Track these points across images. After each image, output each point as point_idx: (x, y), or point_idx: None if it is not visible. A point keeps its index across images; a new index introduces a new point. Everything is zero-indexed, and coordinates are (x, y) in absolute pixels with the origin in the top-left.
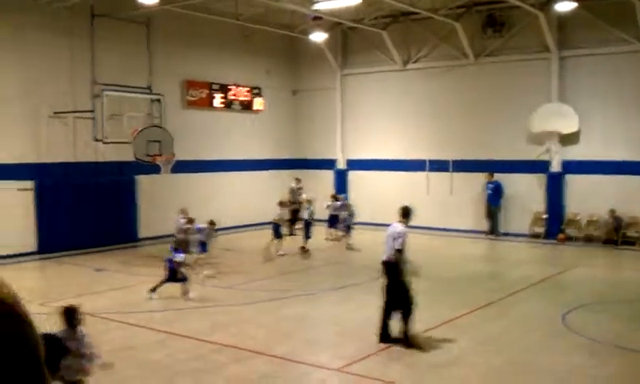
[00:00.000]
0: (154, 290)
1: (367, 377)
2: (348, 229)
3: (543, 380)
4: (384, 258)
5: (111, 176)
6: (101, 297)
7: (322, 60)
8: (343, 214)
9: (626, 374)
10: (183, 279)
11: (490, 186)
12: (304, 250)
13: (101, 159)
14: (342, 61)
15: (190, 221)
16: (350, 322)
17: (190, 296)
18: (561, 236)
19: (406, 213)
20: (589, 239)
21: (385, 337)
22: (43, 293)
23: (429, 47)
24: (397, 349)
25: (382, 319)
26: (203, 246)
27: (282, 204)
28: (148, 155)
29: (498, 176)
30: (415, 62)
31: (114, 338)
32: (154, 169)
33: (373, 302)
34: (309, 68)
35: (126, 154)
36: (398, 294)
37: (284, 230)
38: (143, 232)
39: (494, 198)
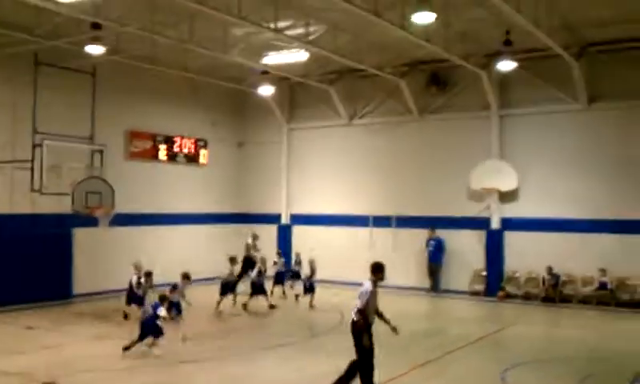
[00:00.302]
0: (127, 348)
1: None
2: (311, 288)
3: None
4: (352, 316)
5: (47, 228)
6: (30, 356)
7: (268, 113)
8: (305, 273)
9: None
10: (158, 333)
11: (432, 242)
12: (272, 306)
13: (38, 211)
14: (288, 115)
15: (147, 274)
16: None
17: (156, 352)
18: (500, 293)
19: (375, 269)
20: (527, 297)
21: None
22: None
23: (374, 103)
24: None
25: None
26: (177, 307)
27: (232, 260)
28: (86, 207)
29: (439, 232)
30: (361, 117)
31: None
32: (92, 221)
33: (313, 362)
34: (255, 121)
35: (63, 206)
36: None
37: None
38: (78, 288)
39: (436, 254)
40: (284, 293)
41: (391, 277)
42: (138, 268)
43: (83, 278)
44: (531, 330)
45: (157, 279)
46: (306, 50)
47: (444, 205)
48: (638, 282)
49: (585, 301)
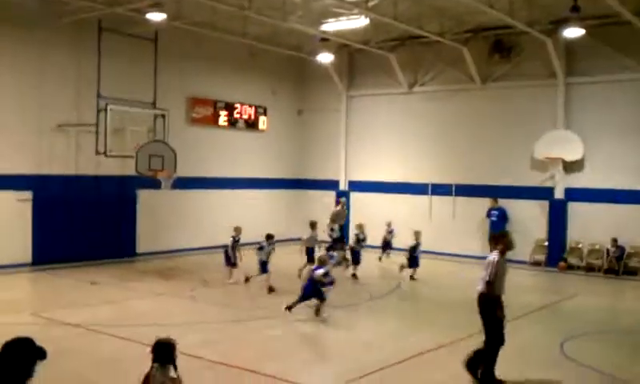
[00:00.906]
0: (289, 308)
1: None
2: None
3: None
4: (478, 289)
5: (112, 189)
6: (93, 309)
7: (328, 81)
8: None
9: None
10: (321, 297)
11: (494, 212)
12: (354, 277)
13: (102, 173)
14: (347, 82)
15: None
16: (339, 344)
17: (324, 316)
18: (561, 264)
19: (497, 240)
20: (590, 268)
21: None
22: (34, 304)
23: (435, 71)
24: (388, 371)
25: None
26: (264, 266)
27: (312, 225)
28: (150, 170)
29: (500, 202)
30: (421, 85)
31: (102, 350)
32: (155, 184)
33: (365, 324)
34: (314, 88)
35: (127, 169)
36: (486, 330)
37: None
38: (142, 247)
39: (498, 224)
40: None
41: (451, 245)
42: (237, 231)
43: (146, 238)
44: (593, 301)
45: (218, 241)
46: (366, 16)
47: (506, 174)
48: None
49: None
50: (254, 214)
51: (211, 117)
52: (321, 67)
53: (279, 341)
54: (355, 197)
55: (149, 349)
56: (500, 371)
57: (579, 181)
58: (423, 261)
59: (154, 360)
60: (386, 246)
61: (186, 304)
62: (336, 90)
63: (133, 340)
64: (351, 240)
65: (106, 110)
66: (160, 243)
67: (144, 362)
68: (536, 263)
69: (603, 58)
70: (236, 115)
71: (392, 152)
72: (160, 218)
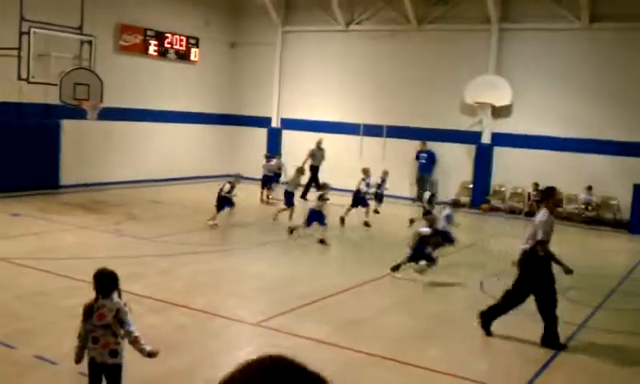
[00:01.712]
0: (396, 268)
1: (284, 332)
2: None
3: (459, 343)
4: (524, 247)
5: (35, 118)
6: (15, 242)
7: (263, 14)
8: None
9: (536, 337)
10: (430, 259)
11: (424, 154)
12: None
13: (24, 100)
14: (284, 17)
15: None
16: (268, 279)
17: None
18: (484, 206)
19: (546, 194)
20: (512, 211)
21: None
22: None
23: (373, 10)
24: (315, 305)
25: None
26: (230, 202)
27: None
28: (75, 99)
29: (430, 144)
30: (358, 23)
31: (26, 283)
32: (80, 113)
33: (291, 260)
34: (249, 21)
35: (51, 97)
36: (537, 292)
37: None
38: (66, 179)
39: (427, 166)
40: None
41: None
42: (236, 181)
43: (71, 170)
44: (514, 242)
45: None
46: None
47: (437, 117)
48: (623, 202)
49: (569, 218)
50: (183, 148)
51: (140, 45)
52: (257, 0)
53: (208, 275)
54: (287, 135)
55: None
56: (419, 304)
57: (506, 126)
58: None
59: (97, 290)
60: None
61: (112, 238)
62: (271, 24)
63: (57, 273)
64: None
65: (29, 33)
66: (85, 175)
67: (70, 294)
68: (462, 205)
69: (538, 5)
70: (167, 45)
71: (326, 90)
72: (85, 149)
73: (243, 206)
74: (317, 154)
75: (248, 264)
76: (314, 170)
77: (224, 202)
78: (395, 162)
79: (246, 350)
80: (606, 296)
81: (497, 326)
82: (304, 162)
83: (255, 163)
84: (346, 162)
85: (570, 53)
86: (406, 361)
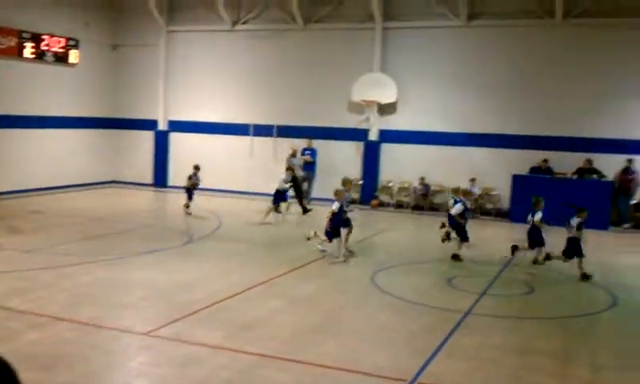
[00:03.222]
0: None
1: (176, 340)
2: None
3: (351, 337)
4: None
5: None
6: None
7: (146, 14)
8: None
9: (428, 327)
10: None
11: (308, 152)
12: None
13: None
14: (167, 16)
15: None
16: (157, 287)
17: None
18: (374, 202)
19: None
20: (399, 205)
21: None
22: None
23: (259, 9)
24: (207, 311)
25: None
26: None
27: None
28: None
29: (320, 143)
30: (244, 23)
31: None
32: None
33: (181, 267)
34: (132, 22)
35: None
36: None
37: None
38: None
39: (310, 164)
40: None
41: (271, 185)
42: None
43: None
44: (401, 235)
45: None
46: None
47: (326, 116)
48: (502, 192)
49: None
50: (65, 155)
51: (15, 48)
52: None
53: (94, 286)
54: (175, 137)
55: None
56: (315, 302)
57: (392, 123)
58: (243, 201)
59: None
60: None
61: None
62: (155, 24)
63: None
64: None
65: None
66: None
67: None
68: (351, 201)
69: (420, 4)
70: (44, 47)
71: (215, 91)
72: None
73: (128, 211)
74: (294, 164)
75: (136, 273)
76: (293, 180)
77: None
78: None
79: (137, 360)
80: (489, 283)
81: (388, 316)
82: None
83: (142, 167)
84: (237, 163)
85: (451, 50)
86: (300, 359)
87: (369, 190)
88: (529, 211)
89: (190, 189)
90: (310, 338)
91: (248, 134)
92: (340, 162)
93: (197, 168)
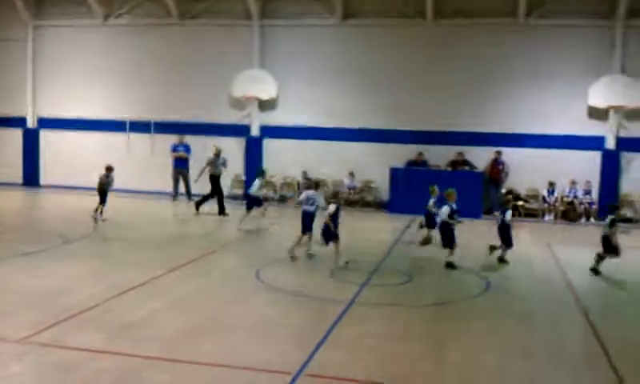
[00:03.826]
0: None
1: (54, 345)
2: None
3: (236, 334)
4: None
5: None
6: None
7: (10, 9)
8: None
9: (312, 319)
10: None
11: (181, 148)
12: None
13: None
14: (34, 11)
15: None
16: (32, 291)
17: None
18: None
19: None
20: (283, 199)
21: None
22: None
23: (133, 3)
24: (87, 314)
25: None
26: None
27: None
28: None
29: (200, 139)
30: (118, 17)
31: None
32: None
33: (56, 270)
34: None
35: None
36: None
37: None
38: None
39: (183, 160)
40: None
41: (150, 182)
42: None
43: None
44: (283, 230)
45: None
46: None
47: (206, 111)
48: (381, 185)
49: None
50: None
51: None
52: None
53: None
54: (47, 135)
55: None
56: (198, 301)
57: (273, 118)
58: (119, 200)
59: None
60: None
61: None
62: (20, 19)
63: None
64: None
65: None
66: None
67: None
68: (234, 197)
69: (296, 2)
70: None
71: (89, 87)
72: None
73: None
74: (216, 163)
75: (8, 277)
76: (215, 180)
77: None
78: (164, 158)
79: (12, 370)
80: (370, 273)
81: (273, 311)
82: (201, 171)
83: (11, 166)
84: (112, 161)
85: (328, 47)
86: (184, 359)
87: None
88: (407, 202)
89: (102, 191)
90: (193, 338)
91: (125, 131)
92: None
93: (109, 169)
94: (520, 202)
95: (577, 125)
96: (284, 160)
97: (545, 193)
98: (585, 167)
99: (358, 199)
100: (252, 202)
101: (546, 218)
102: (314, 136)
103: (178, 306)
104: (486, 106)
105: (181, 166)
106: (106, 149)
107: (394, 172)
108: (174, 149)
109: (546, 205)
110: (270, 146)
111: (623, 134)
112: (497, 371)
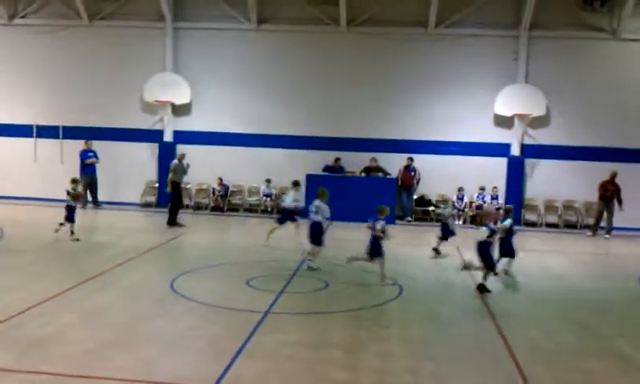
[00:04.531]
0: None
1: None
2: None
3: (150, 347)
4: None
5: None
6: None
7: None
8: None
9: (229, 330)
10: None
11: (90, 154)
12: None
13: None
14: None
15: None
16: None
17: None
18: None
19: None
20: (198, 207)
21: None
22: None
23: (39, 3)
24: None
25: None
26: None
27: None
28: None
29: (111, 144)
30: (23, 17)
31: None
32: None
33: None
34: None
35: None
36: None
37: None
38: None
39: (92, 166)
40: None
41: (59, 191)
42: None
43: None
44: (201, 238)
45: None
46: None
47: (117, 116)
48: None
49: (251, 209)
50: None
51: None
52: None
53: None
54: None
55: None
56: (109, 315)
57: (188, 124)
58: (26, 208)
59: None
60: None
61: None
62: None
63: None
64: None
65: None
66: None
67: None
68: (147, 204)
69: (210, 6)
70: None
71: None
72: None
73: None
74: (179, 170)
75: None
76: (176, 186)
77: None
78: (74, 165)
79: None
80: (287, 280)
81: (188, 322)
82: (170, 180)
83: None
84: (18, 168)
85: (243, 52)
86: (94, 374)
87: (165, 192)
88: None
89: (72, 205)
90: (105, 352)
91: (31, 136)
92: (135, 164)
93: (75, 181)
94: (431, 208)
95: (485, 132)
96: (199, 166)
97: (454, 198)
98: (492, 173)
99: (274, 206)
100: (286, 216)
101: (456, 222)
102: (229, 142)
103: (89, 319)
104: (398, 113)
105: (91, 173)
106: (11, 155)
107: (311, 178)
108: (86, 156)
109: (455, 210)
110: (184, 151)
111: (527, 141)
112: (410, 375)
